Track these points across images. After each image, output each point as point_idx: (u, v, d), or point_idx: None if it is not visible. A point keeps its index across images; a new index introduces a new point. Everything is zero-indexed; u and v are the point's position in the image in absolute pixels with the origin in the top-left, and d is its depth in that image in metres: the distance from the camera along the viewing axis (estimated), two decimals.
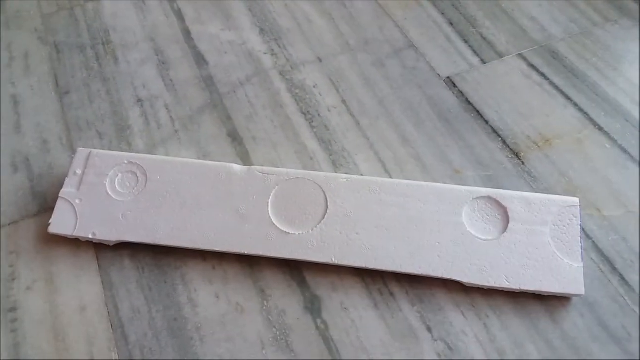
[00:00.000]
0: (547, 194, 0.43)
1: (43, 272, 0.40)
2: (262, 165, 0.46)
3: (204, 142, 0.48)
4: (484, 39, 0.55)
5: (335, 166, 0.46)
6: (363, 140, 0.48)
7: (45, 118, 0.50)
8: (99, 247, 0.41)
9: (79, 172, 0.42)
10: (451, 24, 0.56)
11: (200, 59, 0.54)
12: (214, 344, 0.37)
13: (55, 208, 0.41)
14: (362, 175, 0.45)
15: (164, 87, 0.51)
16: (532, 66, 0.52)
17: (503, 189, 0.43)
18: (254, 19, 0.57)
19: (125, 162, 0.43)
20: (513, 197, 0.40)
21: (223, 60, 0.54)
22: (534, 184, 0.44)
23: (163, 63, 0.53)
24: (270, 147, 0.47)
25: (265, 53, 0.54)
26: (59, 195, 0.42)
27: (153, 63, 0.53)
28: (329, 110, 0.50)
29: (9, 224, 0.43)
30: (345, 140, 0.48)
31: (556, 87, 0.50)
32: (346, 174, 0.45)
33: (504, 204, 0.40)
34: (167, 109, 0.50)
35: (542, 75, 0.51)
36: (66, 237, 0.41)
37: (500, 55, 0.53)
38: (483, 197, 0.41)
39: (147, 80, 0.52)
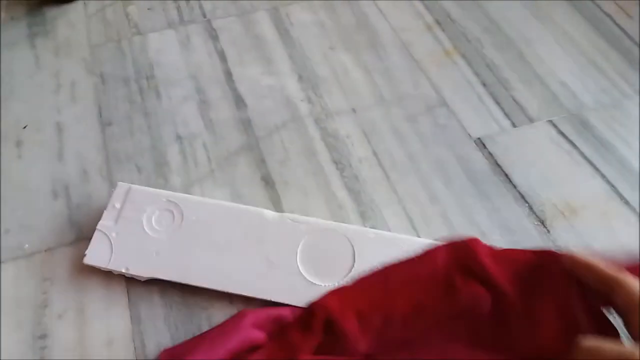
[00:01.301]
0: None
1: (75, 301, 0.42)
2: (293, 212, 0.47)
3: (239, 184, 0.49)
4: (516, 102, 0.56)
5: (363, 218, 0.47)
6: (392, 195, 0.49)
7: (87, 148, 0.52)
8: (130, 281, 0.42)
9: (117, 205, 0.44)
10: (484, 84, 0.58)
11: (239, 101, 0.56)
12: None
13: (92, 239, 0.43)
14: (389, 229, 0.46)
15: (203, 126, 0.53)
16: (562, 133, 0.53)
17: None
18: (294, 65, 0.59)
19: (164, 199, 0.44)
20: None
21: (261, 104, 0.55)
22: None
23: (203, 102, 0.55)
24: (301, 194, 0.49)
25: (302, 100, 0.56)
26: (97, 227, 0.43)
27: (194, 101, 0.55)
28: (360, 162, 0.51)
29: (45, 251, 0.45)
30: (375, 193, 0.49)
31: (584, 157, 0.51)
32: (374, 226, 0.46)
33: None
34: (205, 148, 0.52)
35: (571, 143, 0.52)
36: (100, 269, 0.42)
37: (531, 120, 0.55)
38: None
39: (187, 117, 0.54)
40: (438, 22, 0.64)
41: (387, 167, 0.51)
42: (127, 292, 0.42)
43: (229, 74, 0.58)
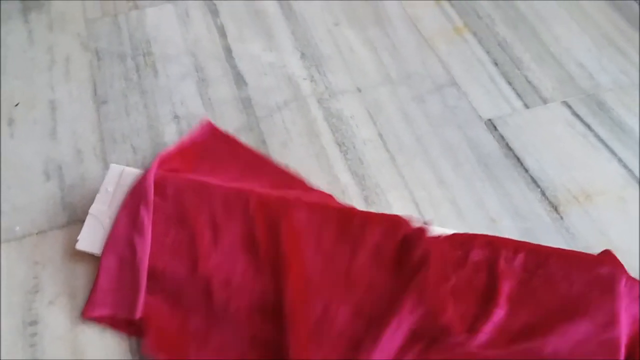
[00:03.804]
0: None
1: (67, 286, 0.40)
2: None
3: None
4: (529, 82, 0.54)
5: (367, 202, 0.45)
6: (398, 178, 0.47)
7: (81, 126, 0.50)
8: None
9: (110, 189, 0.42)
10: (496, 63, 0.55)
11: (239, 79, 0.53)
12: None
13: (84, 225, 0.41)
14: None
15: (202, 105, 0.51)
16: (577, 115, 0.51)
17: (540, 242, 0.42)
18: (296, 42, 0.57)
19: None
20: None
21: (262, 82, 0.53)
22: (572, 241, 0.43)
23: (202, 80, 0.53)
24: (303, 176, 0.47)
25: (304, 78, 0.54)
26: (89, 211, 0.41)
27: (192, 79, 0.53)
28: (365, 144, 0.49)
29: (37, 233, 0.43)
30: (380, 176, 0.47)
31: (601, 140, 0.49)
32: (378, 211, 0.44)
33: None
34: None
35: (587, 125, 0.50)
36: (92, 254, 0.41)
37: (545, 101, 0.52)
38: None
39: (185, 96, 0.52)
40: None
41: (393, 150, 0.49)
42: None
43: (228, 51, 0.56)
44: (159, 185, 0.40)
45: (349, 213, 0.40)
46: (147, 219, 0.38)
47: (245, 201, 0.39)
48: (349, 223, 0.39)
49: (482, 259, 0.38)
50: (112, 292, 0.37)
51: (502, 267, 0.37)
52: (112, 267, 0.38)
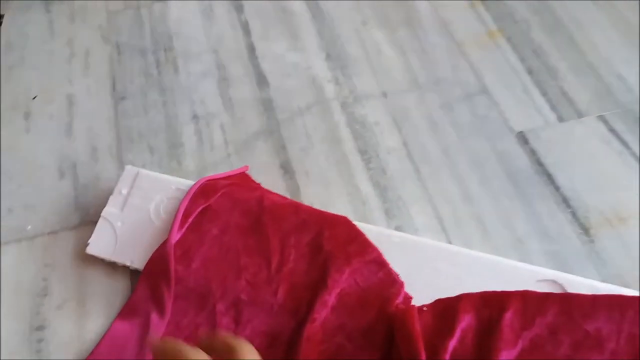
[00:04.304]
0: (618, 283, 0.39)
1: (76, 291, 0.39)
2: (312, 204, 0.43)
3: (255, 171, 0.45)
4: (564, 94, 0.51)
5: (388, 216, 0.43)
6: (421, 191, 0.45)
7: (98, 123, 0.48)
8: (135, 274, 0.40)
9: (124, 192, 0.41)
10: (530, 72, 0.52)
11: (262, 80, 0.52)
12: None
13: (96, 228, 0.40)
14: (416, 230, 0.42)
15: (222, 106, 0.50)
16: (613, 131, 0.48)
17: (568, 267, 0.40)
18: (322, 42, 0.55)
19: (173, 187, 0.41)
20: (581, 286, 0.37)
21: (285, 83, 0.51)
22: (603, 268, 0.40)
23: (224, 79, 0.52)
24: (322, 185, 0.45)
25: (329, 81, 0.52)
26: (102, 214, 0.40)
27: (214, 78, 0.52)
28: (389, 153, 0.47)
29: (48, 234, 0.42)
30: (402, 189, 0.45)
31: (638, 159, 0.46)
32: (399, 227, 0.42)
33: (569, 291, 0.37)
34: (222, 129, 0.48)
35: (624, 143, 0.47)
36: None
37: (580, 115, 0.49)
38: (547, 281, 0.37)
39: (205, 95, 0.50)
40: None
41: (417, 160, 0.47)
42: (131, 285, 0.39)
43: (252, 49, 0.54)
44: (185, 253, 0.38)
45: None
46: (167, 295, 0.36)
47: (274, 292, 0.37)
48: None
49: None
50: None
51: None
52: (119, 336, 0.35)
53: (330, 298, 0.36)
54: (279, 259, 0.38)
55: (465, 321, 0.35)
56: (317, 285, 0.36)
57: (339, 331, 0.35)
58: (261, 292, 0.36)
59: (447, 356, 0.33)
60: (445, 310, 0.36)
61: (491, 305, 0.35)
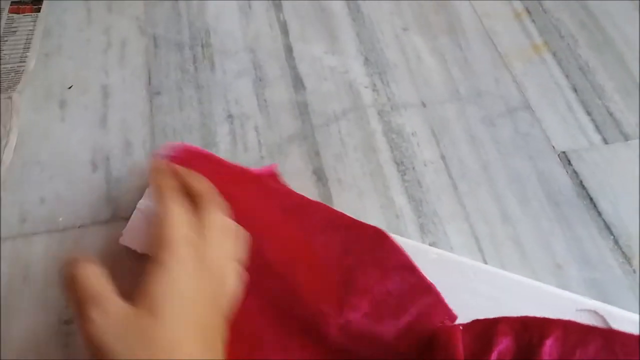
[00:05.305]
0: None
1: None
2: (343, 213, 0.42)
3: (288, 176, 0.45)
4: (610, 114, 0.49)
5: (423, 231, 0.42)
6: (458, 208, 0.44)
7: (132, 117, 0.48)
8: None
9: None
10: (575, 90, 0.51)
11: (298, 82, 0.51)
12: None
13: (131, 219, 0.40)
14: (451, 248, 0.41)
15: (257, 107, 0.49)
16: None
17: (609, 297, 0.39)
18: (361, 46, 0.54)
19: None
20: (624, 319, 0.35)
21: (322, 87, 0.50)
22: None
23: (260, 79, 0.51)
24: (355, 195, 0.44)
25: (366, 87, 0.51)
26: (137, 206, 0.40)
27: (250, 78, 0.51)
28: (425, 165, 0.46)
29: (79, 227, 0.42)
30: (439, 204, 0.44)
31: None
32: (434, 244, 0.41)
33: (611, 324, 0.35)
34: (256, 131, 0.47)
35: None
36: (134, 252, 0.39)
37: (626, 137, 0.48)
38: (588, 311, 0.36)
39: (241, 95, 0.49)
40: (528, 11, 0.57)
41: (455, 175, 0.45)
42: None
43: (289, 50, 0.53)
44: None
45: None
46: None
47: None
48: None
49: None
50: None
51: None
52: None
53: (361, 302, 0.35)
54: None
55: (504, 344, 0.34)
56: (345, 285, 0.36)
57: (364, 338, 0.34)
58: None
59: None
60: (484, 331, 0.35)
61: (531, 331, 0.34)
